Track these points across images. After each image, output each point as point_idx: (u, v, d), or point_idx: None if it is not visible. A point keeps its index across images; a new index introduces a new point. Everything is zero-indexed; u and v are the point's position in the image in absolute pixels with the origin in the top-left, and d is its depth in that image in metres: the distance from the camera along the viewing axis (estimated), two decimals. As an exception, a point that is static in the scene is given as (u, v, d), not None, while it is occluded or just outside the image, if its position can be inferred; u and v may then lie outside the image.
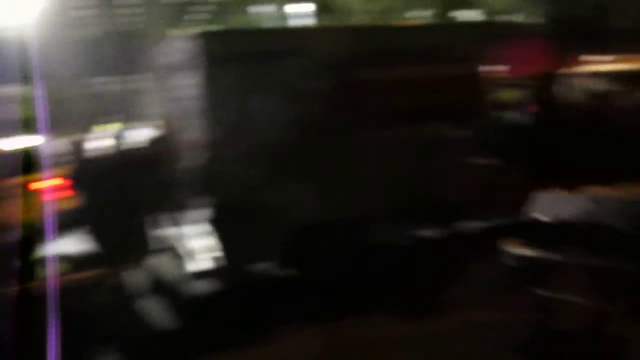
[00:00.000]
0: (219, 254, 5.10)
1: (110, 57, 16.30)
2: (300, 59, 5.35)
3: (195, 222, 5.34)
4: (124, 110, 17.79)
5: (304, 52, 5.42)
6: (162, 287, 5.60)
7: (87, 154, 6.28)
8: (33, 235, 4.54)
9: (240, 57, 5.20)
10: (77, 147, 7.51)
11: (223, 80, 5.11)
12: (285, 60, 5.31)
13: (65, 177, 6.25)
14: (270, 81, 5.24)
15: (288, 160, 5.22)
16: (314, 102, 5.35)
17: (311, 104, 5.32)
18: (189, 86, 5.36)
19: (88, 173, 5.69)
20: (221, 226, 5.08)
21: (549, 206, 4.66)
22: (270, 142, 5.16)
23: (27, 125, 7.16)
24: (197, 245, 5.33)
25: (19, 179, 5.34)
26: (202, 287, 5.50)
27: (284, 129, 5.25)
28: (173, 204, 5.67)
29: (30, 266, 4.31)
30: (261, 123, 5.16)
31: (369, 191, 5.48)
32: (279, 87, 5.30)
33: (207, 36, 5.34)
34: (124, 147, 6.00)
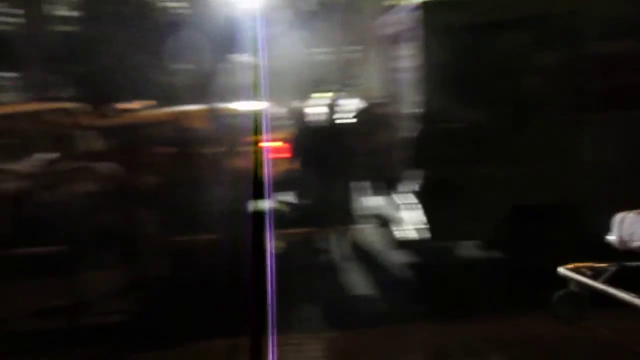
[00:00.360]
0: (423, 226, 5.09)
1: (327, 29, 17.13)
2: (527, 30, 4.96)
3: (403, 193, 5.40)
4: (340, 80, 18.70)
5: (532, 24, 5.00)
6: (363, 253, 5.83)
7: (304, 121, 6.73)
8: (259, 190, 5.03)
9: (462, 29, 5.00)
10: (296, 113, 8.11)
11: (442, 52, 4.99)
12: (510, 32, 4.97)
13: (284, 140, 6.81)
14: (493, 55, 4.96)
15: (505, 138, 4.91)
16: (544, 77, 4.94)
17: (540, 79, 4.93)
18: (406, 57, 5.35)
19: (304, 138, 6.10)
20: (428, 200, 5.04)
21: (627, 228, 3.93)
22: (486, 118, 4.93)
23: (255, 91, 7.86)
24: (402, 216, 5.39)
25: (249, 138, 5.96)
26: (403, 257, 5.58)
27: (503, 106, 4.98)
28: (382, 174, 5.81)
29: (257, 218, 4.80)
30: (479, 98, 4.94)
31: (589, 179, 4.94)
32: (502, 60, 4.99)
33: (428, 6, 5.23)
34: (338, 115, 6.30)
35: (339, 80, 18.37)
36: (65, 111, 10.58)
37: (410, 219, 5.21)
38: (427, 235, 5.03)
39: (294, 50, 18.21)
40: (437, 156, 4.86)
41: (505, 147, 4.93)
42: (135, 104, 10.34)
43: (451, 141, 4.83)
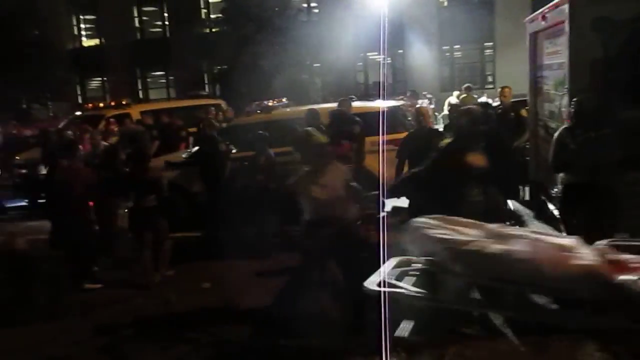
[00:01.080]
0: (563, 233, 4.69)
1: (463, 25, 16.64)
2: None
3: (543, 198, 5.02)
4: (475, 78, 18.03)
5: None
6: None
7: (428, 120, 6.41)
8: (377, 186, 4.92)
9: (616, 23, 4.54)
10: (420, 112, 7.91)
11: (594, 49, 4.58)
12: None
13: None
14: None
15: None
16: None
17: None
18: (553, 54, 4.99)
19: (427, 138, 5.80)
20: (568, 206, 4.63)
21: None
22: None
23: (385, 89, 7.80)
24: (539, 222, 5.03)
25: (378, 137, 5.91)
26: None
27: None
28: (517, 178, 5.44)
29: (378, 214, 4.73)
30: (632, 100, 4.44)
31: None
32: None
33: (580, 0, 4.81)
34: (472, 115, 5.97)
35: (477, 79, 17.74)
36: (217, 107, 11.43)
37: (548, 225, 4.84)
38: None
39: (428, 49, 17.90)
40: (586, 160, 4.39)
41: None
42: (271, 102, 10.84)
43: (603, 143, 4.33)
